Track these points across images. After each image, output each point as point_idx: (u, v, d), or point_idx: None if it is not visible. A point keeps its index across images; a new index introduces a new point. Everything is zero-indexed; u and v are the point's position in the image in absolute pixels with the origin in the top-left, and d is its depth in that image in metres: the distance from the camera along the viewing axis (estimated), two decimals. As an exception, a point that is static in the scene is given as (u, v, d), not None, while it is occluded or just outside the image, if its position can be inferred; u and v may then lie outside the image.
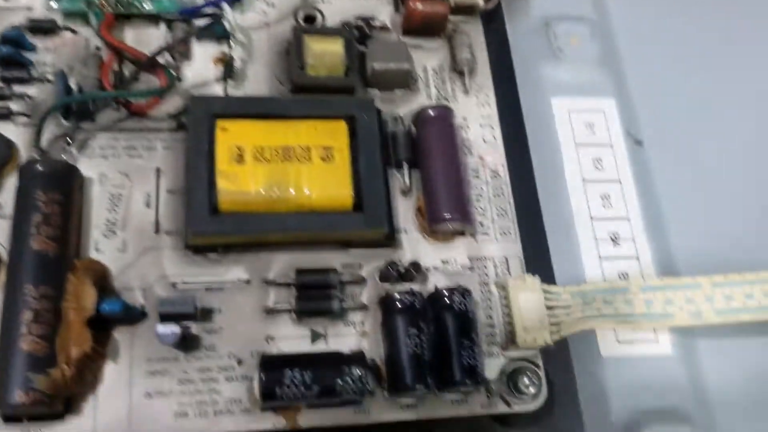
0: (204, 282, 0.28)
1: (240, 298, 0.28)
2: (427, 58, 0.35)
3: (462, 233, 0.31)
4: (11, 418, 0.25)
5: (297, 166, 0.29)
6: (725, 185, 0.37)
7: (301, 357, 0.27)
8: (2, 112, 0.29)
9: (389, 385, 0.28)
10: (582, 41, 0.39)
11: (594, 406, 0.31)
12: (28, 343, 0.25)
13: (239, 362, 0.27)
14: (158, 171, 0.30)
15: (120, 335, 0.27)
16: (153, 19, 0.32)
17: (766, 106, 0.39)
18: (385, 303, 0.28)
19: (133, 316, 0.27)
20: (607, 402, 0.32)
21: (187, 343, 0.27)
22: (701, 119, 0.38)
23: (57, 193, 0.27)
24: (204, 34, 0.32)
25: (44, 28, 0.31)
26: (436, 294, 0.29)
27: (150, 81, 0.31)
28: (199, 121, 0.29)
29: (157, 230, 0.29)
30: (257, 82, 0.32)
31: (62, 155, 0.29)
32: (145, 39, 0.32)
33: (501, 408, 0.29)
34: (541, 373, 0.29)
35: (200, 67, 0.32)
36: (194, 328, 0.27)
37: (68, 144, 0.29)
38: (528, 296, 0.29)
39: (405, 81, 0.33)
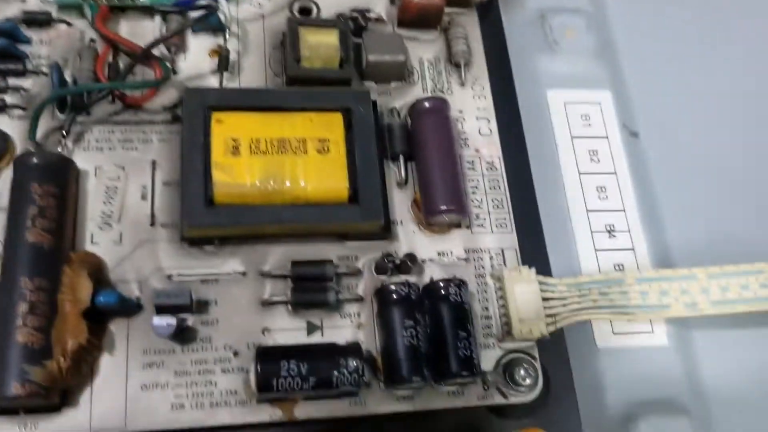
0: (200, 274, 0.28)
1: (236, 290, 0.28)
2: (423, 51, 0.35)
3: (458, 225, 0.31)
4: (7, 411, 0.25)
5: (293, 158, 0.29)
6: (721, 177, 0.37)
7: (298, 348, 0.27)
8: (-3, 105, 0.29)
9: (385, 376, 0.28)
10: (578, 33, 0.39)
11: (590, 398, 0.31)
12: (24, 335, 0.25)
13: (235, 354, 0.27)
14: (154, 163, 0.30)
15: (116, 327, 0.27)
16: (148, 11, 0.32)
17: (761, 99, 0.39)
18: (381, 294, 0.28)
19: (128, 308, 0.27)
20: (603, 393, 0.32)
21: (183, 335, 0.27)
22: (697, 111, 0.38)
23: (52, 185, 0.27)
24: (199, 26, 0.32)
25: (39, 20, 0.31)
26: (432, 285, 0.29)
27: (145, 73, 0.31)
28: (194, 113, 0.29)
29: (152, 223, 0.29)
30: (252, 74, 0.32)
31: (58, 148, 0.29)
32: (140, 31, 0.32)
33: (497, 399, 0.29)
34: (537, 365, 0.29)
35: (195, 59, 0.32)
36: (190, 320, 0.27)
37: (64, 137, 0.29)
38: (524, 288, 0.29)
39: (400, 73, 0.33)
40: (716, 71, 0.40)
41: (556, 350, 0.30)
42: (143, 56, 0.31)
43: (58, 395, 0.26)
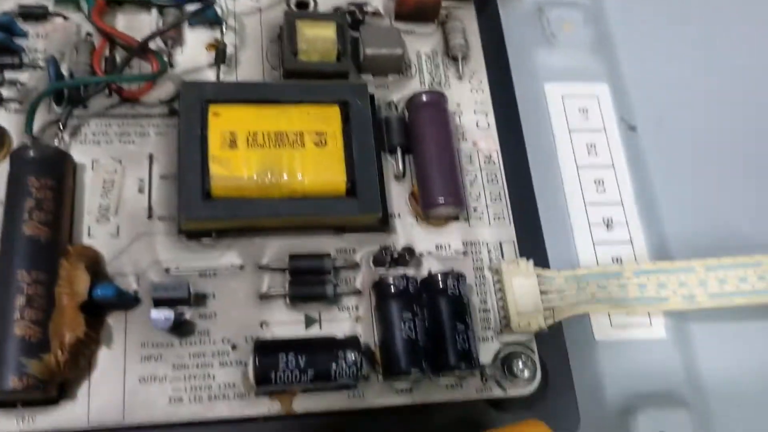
0: (197, 267, 0.28)
1: (234, 283, 0.28)
2: (420, 44, 0.35)
3: (456, 218, 0.31)
4: (5, 404, 0.25)
5: (290, 152, 0.29)
6: (718, 169, 0.37)
7: (296, 341, 0.27)
8: (-7, 99, 0.29)
9: (384, 369, 0.28)
10: (575, 27, 0.39)
11: (588, 390, 0.31)
12: (21, 328, 0.25)
13: (233, 347, 0.27)
14: (151, 157, 0.30)
15: (114, 321, 0.27)
16: (144, 4, 0.32)
17: (758, 92, 0.39)
18: (379, 287, 0.28)
19: (126, 301, 0.27)
20: (601, 386, 0.32)
21: (181, 329, 0.27)
22: (694, 104, 0.38)
23: (49, 178, 0.27)
24: (196, 19, 0.32)
25: (35, 14, 0.31)
26: (430, 278, 0.29)
27: (142, 67, 0.31)
28: (191, 107, 0.29)
29: (150, 216, 0.29)
30: (250, 67, 0.32)
31: (54, 141, 0.29)
32: (137, 25, 0.32)
33: (496, 392, 0.28)
34: (536, 358, 0.29)
35: (192, 53, 0.32)
36: (188, 313, 0.27)
37: (60, 130, 0.29)
38: (522, 281, 0.29)
39: (398, 66, 0.33)
40: (713, 64, 0.40)
41: (554, 343, 0.30)
42: (140, 50, 0.31)
43: (56, 388, 0.26)
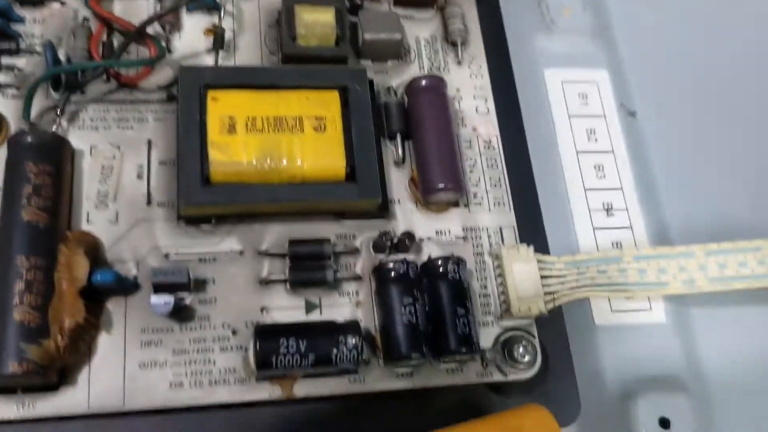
0: (197, 253, 0.28)
1: (233, 269, 0.28)
2: (419, 29, 0.34)
3: (456, 204, 0.31)
4: (5, 389, 0.25)
5: (289, 137, 0.29)
6: (718, 155, 0.37)
7: (297, 326, 0.27)
8: (-10, 84, 0.29)
9: (384, 354, 0.28)
10: (574, 13, 0.39)
11: (588, 375, 0.31)
12: (21, 314, 0.24)
13: (234, 332, 0.27)
14: (149, 142, 0.30)
15: (114, 306, 0.27)
16: (142, -11, 0.32)
17: (759, 77, 0.39)
18: (380, 272, 0.28)
19: (125, 286, 0.27)
20: (601, 370, 0.32)
21: (181, 314, 0.27)
22: (694, 90, 0.38)
23: (47, 164, 0.27)
24: (194, 4, 0.32)
25: (32, -1, 0.31)
26: (430, 263, 0.29)
27: (140, 53, 0.31)
28: (189, 92, 0.29)
29: (149, 202, 0.29)
30: (248, 53, 0.32)
31: (52, 127, 0.29)
32: (134, 10, 0.32)
33: (496, 377, 0.29)
34: (536, 342, 0.29)
35: (190, 38, 0.32)
36: (188, 298, 0.27)
37: (58, 116, 0.29)
38: (522, 266, 0.29)
39: (397, 51, 0.33)
40: (713, 50, 0.40)
41: (554, 328, 0.30)
42: (137, 35, 0.31)
43: (56, 374, 0.25)
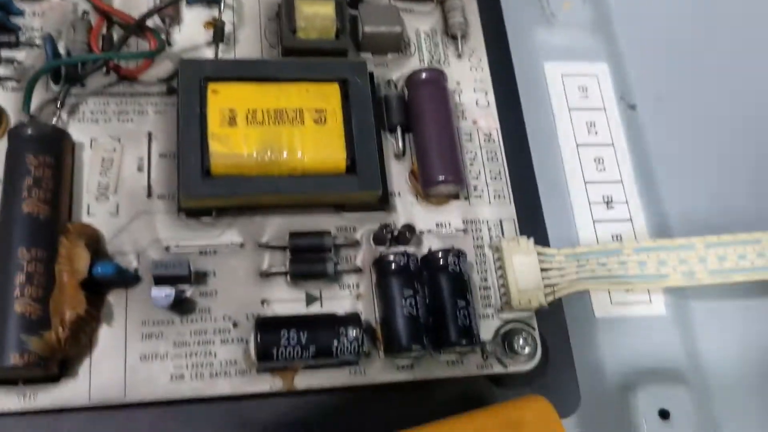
0: (197, 245, 0.28)
1: (234, 261, 0.28)
2: (419, 22, 0.34)
3: (456, 196, 0.31)
4: (7, 381, 0.25)
5: (290, 129, 0.29)
6: (717, 147, 0.37)
7: (297, 318, 0.27)
8: (-10, 77, 0.29)
9: (385, 346, 0.28)
10: (574, 6, 0.39)
11: (588, 367, 0.31)
12: (21, 306, 0.24)
13: (234, 325, 0.27)
14: (150, 135, 0.30)
15: (115, 299, 0.27)
16: (142, -18, 0.32)
17: (758, 69, 0.39)
18: (380, 264, 0.28)
19: (126, 279, 0.27)
20: (601, 362, 0.32)
21: (181, 306, 0.27)
22: (693, 83, 0.38)
23: (47, 156, 0.27)
24: (194, -3, 0.32)
25: (31, -8, 0.31)
26: (431, 255, 0.29)
27: (140, 46, 0.31)
28: (190, 84, 0.29)
29: (149, 194, 0.29)
30: (248, 46, 0.32)
31: (52, 120, 0.29)
32: (134, 3, 0.32)
33: (496, 368, 0.29)
34: (536, 335, 0.29)
35: (190, 31, 0.32)
36: (189, 291, 0.27)
37: (58, 108, 0.29)
38: (522, 258, 0.29)
39: (397, 44, 0.33)
40: (713, 43, 0.40)
41: (554, 320, 0.30)
42: (137, 28, 0.31)
43: (57, 366, 0.25)
